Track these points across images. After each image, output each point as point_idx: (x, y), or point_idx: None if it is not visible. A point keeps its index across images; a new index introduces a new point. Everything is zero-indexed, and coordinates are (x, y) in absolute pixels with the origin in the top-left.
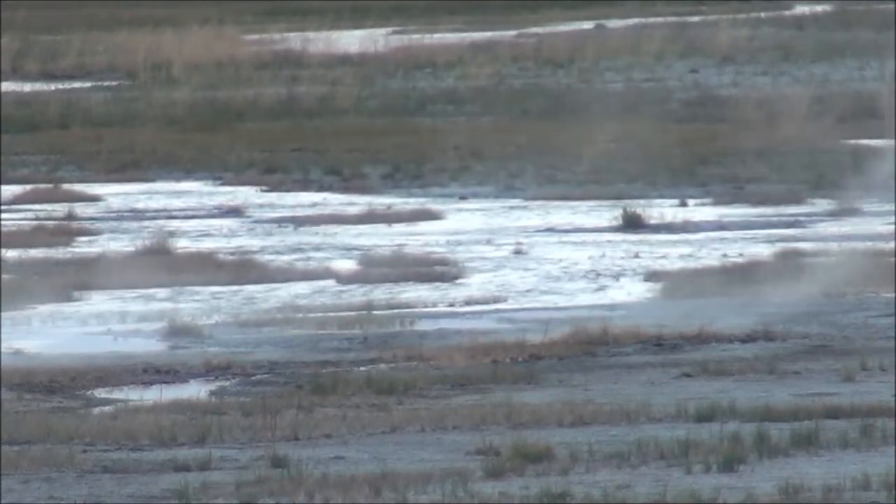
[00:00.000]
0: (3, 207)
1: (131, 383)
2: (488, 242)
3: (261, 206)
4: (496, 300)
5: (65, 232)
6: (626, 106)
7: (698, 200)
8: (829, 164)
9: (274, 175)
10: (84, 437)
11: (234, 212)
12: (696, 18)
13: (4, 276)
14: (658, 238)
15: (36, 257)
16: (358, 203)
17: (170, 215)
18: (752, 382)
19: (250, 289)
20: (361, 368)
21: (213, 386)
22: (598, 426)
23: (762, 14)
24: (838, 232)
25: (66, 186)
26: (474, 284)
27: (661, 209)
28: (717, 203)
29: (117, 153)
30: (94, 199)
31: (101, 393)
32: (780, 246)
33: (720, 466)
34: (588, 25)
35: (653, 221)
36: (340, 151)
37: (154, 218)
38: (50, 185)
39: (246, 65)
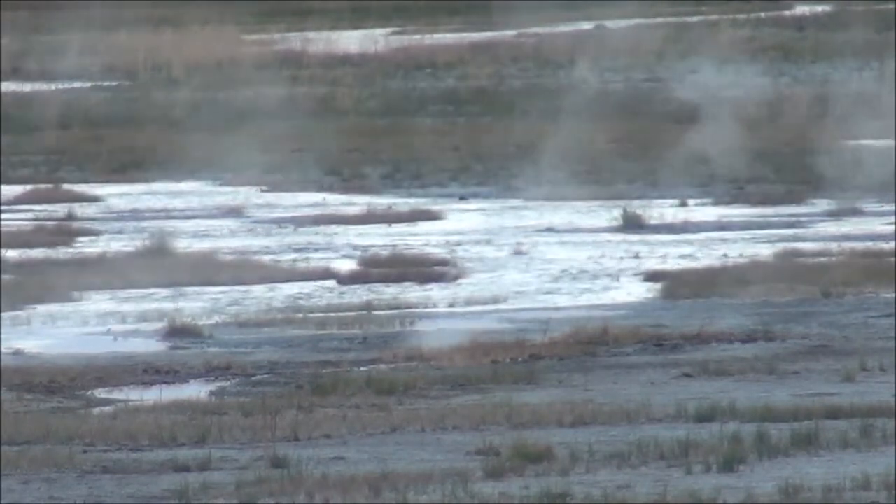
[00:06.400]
0: (3, 207)
1: (131, 383)
2: (488, 242)
3: (261, 206)
4: (496, 300)
5: (65, 232)
6: (626, 106)
7: (698, 200)
8: (829, 164)
9: (274, 175)
10: (84, 437)
11: (234, 212)
12: (696, 18)
13: (4, 276)
14: (658, 238)
15: (36, 257)
16: (358, 203)
17: (170, 215)
18: (752, 382)
19: (250, 289)
20: (361, 368)
21: (213, 386)
22: (598, 426)
23: (762, 14)
24: (838, 232)
25: (66, 186)
26: (474, 284)
27: (661, 209)
28: (717, 203)
29: (117, 153)
30: (94, 199)
31: (101, 393)
32: (780, 246)
33: (720, 466)
34: (588, 25)
35: (653, 221)
36: (340, 151)
37: (154, 218)
38: (50, 185)
39: (246, 65)
